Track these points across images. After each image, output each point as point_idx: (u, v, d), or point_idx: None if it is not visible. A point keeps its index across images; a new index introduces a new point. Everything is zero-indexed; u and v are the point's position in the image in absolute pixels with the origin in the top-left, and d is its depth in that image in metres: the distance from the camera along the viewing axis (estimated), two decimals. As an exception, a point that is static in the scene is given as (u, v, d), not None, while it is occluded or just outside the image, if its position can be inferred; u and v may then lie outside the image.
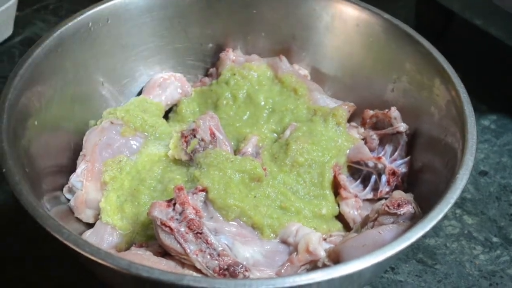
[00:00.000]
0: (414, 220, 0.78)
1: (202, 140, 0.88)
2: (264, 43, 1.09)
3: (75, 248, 0.64)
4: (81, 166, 0.88)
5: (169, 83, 1.04)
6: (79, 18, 0.93)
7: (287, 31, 1.07)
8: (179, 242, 0.73)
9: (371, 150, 0.96)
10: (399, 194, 0.82)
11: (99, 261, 0.63)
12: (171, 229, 0.73)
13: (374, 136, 0.96)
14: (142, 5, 1.01)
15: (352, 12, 1.02)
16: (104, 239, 0.82)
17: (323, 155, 0.91)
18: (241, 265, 0.74)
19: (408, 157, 0.93)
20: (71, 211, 0.87)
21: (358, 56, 1.03)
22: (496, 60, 1.30)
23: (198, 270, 0.74)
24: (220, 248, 0.75)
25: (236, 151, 0.94)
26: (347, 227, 0.89)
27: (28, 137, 0.80)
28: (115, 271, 0.63)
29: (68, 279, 0.88)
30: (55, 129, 0.89)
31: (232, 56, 1.06)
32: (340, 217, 0.90)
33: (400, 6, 1.39)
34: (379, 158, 0.91)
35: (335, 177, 0.90)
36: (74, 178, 0.87)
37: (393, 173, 0.90)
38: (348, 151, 0.93)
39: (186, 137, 0.88)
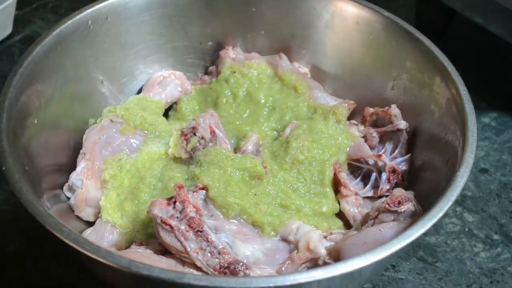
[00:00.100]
0: (414, 217, 0.78)
1: (202, 138, 0.88)
2: (264, 41, 1.09)
3: (75, 246, 0.64)
4: (81, 165, 0.88)
5: (169, 81, 1.04)
6: (78, 17, 0.93)
7: (286, 29, 1.07)
8: (179, 240, 0.73)
9: (371, 147, 0.95)
10: (399, 192, 0.82)
11: (99, 259, 0.63)
12: (171, 227, 0.73)
13: (374, 133, 0.96)
14: (141, 3, 1.00)
15: (352, 10, 1.01)
16: (104, 238, 0.82)
17: (323, 153, 0.91)
18: (241, 263, 0.73)
19: (409, 155, 0.93)
20: (71, 209, 0.87)
21: (358, 54, 1.03)
22: (497, 57, 1.30)
23: (199, 268, 0.74)
24: (220, 246, 0.74)
25: (236, 149, 0.94)
26: (347, 225, 0.89)
27: (28, 135, 0.80)
28: (115, 269, 0.63)
29: (68, 278, 0.87)
30: (55, 127, 0.89)
31: (232, 54, 1.05)
32: (340, 215, 0.89)
33: (400, 5, 1.39)
34: (379, 156, 0.91)
35: (335, 175, 0.90)
36: (74, 177, 0.87)
37: (393, 170, 0.89)
38: (348, 149, 0.93)
39: (186, 135, 0.88)
